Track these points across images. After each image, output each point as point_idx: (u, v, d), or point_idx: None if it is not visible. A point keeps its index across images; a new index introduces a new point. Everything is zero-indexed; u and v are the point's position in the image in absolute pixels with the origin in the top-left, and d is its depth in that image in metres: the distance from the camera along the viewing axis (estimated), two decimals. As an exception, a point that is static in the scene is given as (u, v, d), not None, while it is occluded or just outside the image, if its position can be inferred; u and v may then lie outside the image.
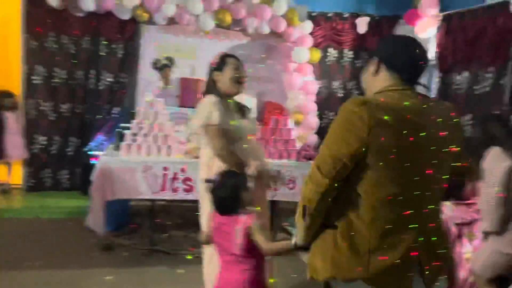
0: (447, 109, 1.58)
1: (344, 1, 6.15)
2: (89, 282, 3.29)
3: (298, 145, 4.42)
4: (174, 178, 3.79)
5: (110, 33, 5.48)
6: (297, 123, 5.72)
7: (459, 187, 1.85)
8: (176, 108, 4.74)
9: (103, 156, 3.89)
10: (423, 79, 1.61)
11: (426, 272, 1.49)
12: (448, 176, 1.56)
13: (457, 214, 2.95)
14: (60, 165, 5.64)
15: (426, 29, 5.32)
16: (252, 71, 5.49)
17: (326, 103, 6.23)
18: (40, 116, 5.50)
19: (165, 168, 3.78)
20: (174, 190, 3.80)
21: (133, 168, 3.73)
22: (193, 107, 4.60)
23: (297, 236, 1.64)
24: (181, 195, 3.82)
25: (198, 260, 3.49)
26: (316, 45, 5.94)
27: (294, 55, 5.66)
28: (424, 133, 1.45)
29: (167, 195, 3.84)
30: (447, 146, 1.52)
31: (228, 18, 5.34)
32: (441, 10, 5.23)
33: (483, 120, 2.90)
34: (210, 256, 2.54)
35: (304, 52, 5.67)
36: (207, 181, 2.25)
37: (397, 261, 1.43)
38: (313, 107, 5.98)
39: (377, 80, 1.59)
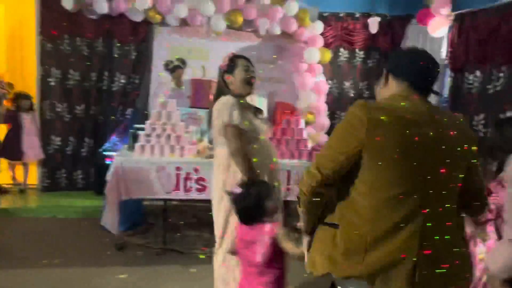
0: (451, 113, 1.62)
1: (356, 1, 6.14)
2: (104, 280, 3.35)
3: (310, 145, 4.43)
4: (187, 178, 3.84)
5: (123, 35, 5.54)
6: (308, 123, 5.73)
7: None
8: (187, 108, 4.78)
9: (118, 157, 3.95)
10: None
11: (443, 271, 1.48)
12: (463, 176, 1.56)
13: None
14: (74, 165, 5.73)
15: (439, 29, 5.28)
16: (263, 71, 5.53)
17: (338, 103, 6.23)
18: (55, 117, 5.59)
19: (178, 168, 3.82)
20: (187, 190, 3.84)
21: (147, 168, 3.78)
22: (204, 108, 4.67)
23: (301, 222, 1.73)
24: (194, 195, 3.86)
25: (210, 259, 3.52)
26: (327, 45, 5.94)
27: (305, 56, 5.67)
28: (431, 133, 1.47)
29: (180, 195, 3.88)
30: (460, 144, 1.53)
31: (239, 19, 5.38)
32: (454, 9, 5.19)
33: (499, 123, 2.87)
34: (224, 257, 2.56)
35: (315, 53, 5.68)
36: (229, 193, 2.25)
37: (396, 260, 1.44)
38: (324, 107, 5.99)
39: (386, 90, 1.64)
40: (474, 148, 1.58)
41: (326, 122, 5.99)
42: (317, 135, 5.77)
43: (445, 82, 5.50)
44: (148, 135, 3.96)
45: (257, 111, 2.73)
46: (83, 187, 5.74)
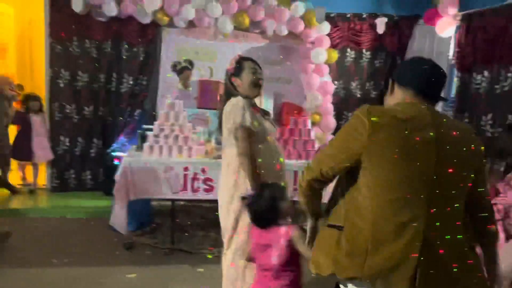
0: (454, 119, 1.68)
1: (363, 2, 6.14)
2: (113, 279, 3.39)
3: (317, 145, 4.44)
4: (195, 178, 3.86)
5: (131, 37, 5.58)
6: (315, 123, 5.74)
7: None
8: (194, 109, 4.81)
9: (126, 157, 3.98)
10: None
11: (454, 270, 1.49)
12: (473, 176, 1.56)
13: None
14: (83, 166, 5.77)
15: (446, 29, 5.27)
16: (270, 72, 5.55)
17: (345, 104, 6.23)
18: (64, 118, 5.64)
19: (185, 169, 3.85)
20: (195, 190, 3.87)
21: (155, 168, 3.82)
22: (211, 109, 4.70)
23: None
24: (201, 195, 3.89)
25: (217, 259, 3.55)
26: (334, 46, 5.95)
27: (312, 56, 5.68)
28: (432, 133, 1.49)
29: (188, 195, 3.90)
30: (465, 144, 1.54)
31: (246, 21, 5.40)
32: (461, 9, 5.18)
33: (510, 127, 2.87)
34: (233, 257, 2.57)
35: (322, 53, 5.69)
36: (243, 198, 2.23)
37: (397, 262, 1.45)
38: (331, 107, 6.00)
39: (392, 99, 1.68)
40: (481, 148, 1.58)
41: (332, 122, 5.99)
42: (323, 135, 5.78)
43: (452, 83, 5.48)
44: (156, 136, 4.00)
45: (265, 112, 2.75)
46: (91, 188, 5.78)
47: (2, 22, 6.96)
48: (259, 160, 2.51)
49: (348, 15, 6.11)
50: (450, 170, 1.49)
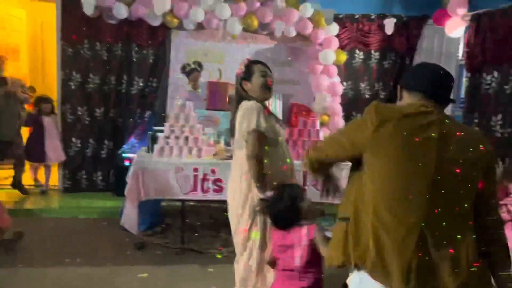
0: (458, 122, 1.68)
1: (371, 3, 6.13)
2: (125, 278, 3.44)
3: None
4: (204, 179, 3.90)
5: (141, 39, 5.64)
6: (323, 124, 5.74)
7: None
8: (203, 111, 4.85)
9: (137, 158, 4.03)
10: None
11: (472, 269, 1.50)
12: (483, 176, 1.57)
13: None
14: (94, 167, 5.84)
15: (455, 29, 5.26)
16: (279, 73, 5.57)
17: (353, 105, 6.23)
18: (76, 120, 5.71)
19: (195, 169, 3.89)
20: (205, 191, 3.90)
21: (166, 169, 3.86)
22: (220, 110, 4.73)
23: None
24: (211, 196, 3.92)
25: (227, 259, 3.60)
26: (342, 47, 5.96)
27: (321, 57, 5.70)
28: (434, 134, 1.51)
29: (198, 196, 3.94)
30: (473, 145, 1.55)
31: (255, 22, 5.42)
32: (470, 10, 5.16)
33: None
34: (249, 258, 2.55)
35: (330, 54, 5.70)
36: (263, 200, 2.22)
37: (394, 253, 1.49)
38: (339, 108, 6.00)
39: (402, 104, 1.71)
40: (490, 149, 1.58)
41: (341, 123, 5.99)
42: (332, 136, 5.78)
43: (462, 83, 5.47)
44: (167, 137, 4.04)
45: (276, 114, 2.77)
46: (102, 188, 5.84)
47: (14, 26, 7.07)
48: (268, 162, 2.51)
49: (357, 16, 6.11)
50: (458, 170, 1.51)
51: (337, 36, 5.83)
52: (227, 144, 4.34)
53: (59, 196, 5.68)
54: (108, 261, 3.75)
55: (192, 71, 5.37)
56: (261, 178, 2.46)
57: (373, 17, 6.11)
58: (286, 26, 5.53)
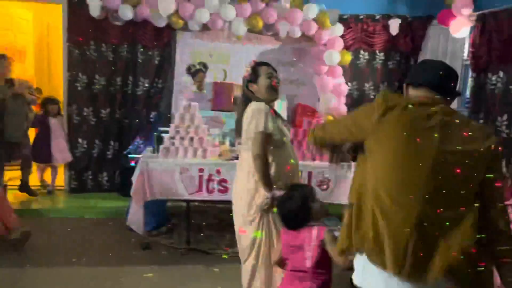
0: (465, 117, 1.69)
1: (376, 3, 6.13)
2: (131, 278, 3.46)
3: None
4: (209, 180, 3.92)
5: (146, 41, 5.66)
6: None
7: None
8: (209, 111, 4.87)
9: (143, 159, 4.06)
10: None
11: (464, 255, 1.50)
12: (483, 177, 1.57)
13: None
14: (100, 167, 5.87)
15: (460, 29, 5.24)
16: (284, 74, 5.58)
17: (358, 105, 6.17)
18: (82, 121, 5.74)
19: (200, 170, 3.91)
20: (210, 191, 3.92)
21: (171, 170, 3.89)
22: (225, 111, 4.75)
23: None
24: (216, 196, 3.94)
25: (232, 259, 3.61)
26: (347, 48, 5.96)
27: (326, 58, 5.70)
28: (436, 134, 1.52)
29: (203, 196, 3.96)
30: (480, 145, 1.54)
31: (260, 23, 5.44)
32: (475, 10, 5.15)
33: None
34: (255, 258, 2.54)
35: (335, 55, 5.71)
36: (274, 198, 2.23)
37: (390, 238, 1.52)
38: (344, 109, 6.00)
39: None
40: (497, 148, 1.57)
41: (346, 124, 6.00)
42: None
43: (467, 83, 5.45)
44: (172, 138, 4.06)
45: (281, 116, 2.78)
46: (108, 189, 5.87)
47: (21, 27, 7.12)
48: (274, 162, 2.52)
49: (361, 17, 6.11)
50: (458, 171, 1.51)
51: (342, 36, 5.83)
52: (232, 144, 4.37)
53: (66, 197, 5.71)
54: (114, 261, 3.78)
55: (197, 72, 5.40)
56: (267, 178, 2.47)
57: (377, 17, 6.11)
58: (290, 27, 5.54)
